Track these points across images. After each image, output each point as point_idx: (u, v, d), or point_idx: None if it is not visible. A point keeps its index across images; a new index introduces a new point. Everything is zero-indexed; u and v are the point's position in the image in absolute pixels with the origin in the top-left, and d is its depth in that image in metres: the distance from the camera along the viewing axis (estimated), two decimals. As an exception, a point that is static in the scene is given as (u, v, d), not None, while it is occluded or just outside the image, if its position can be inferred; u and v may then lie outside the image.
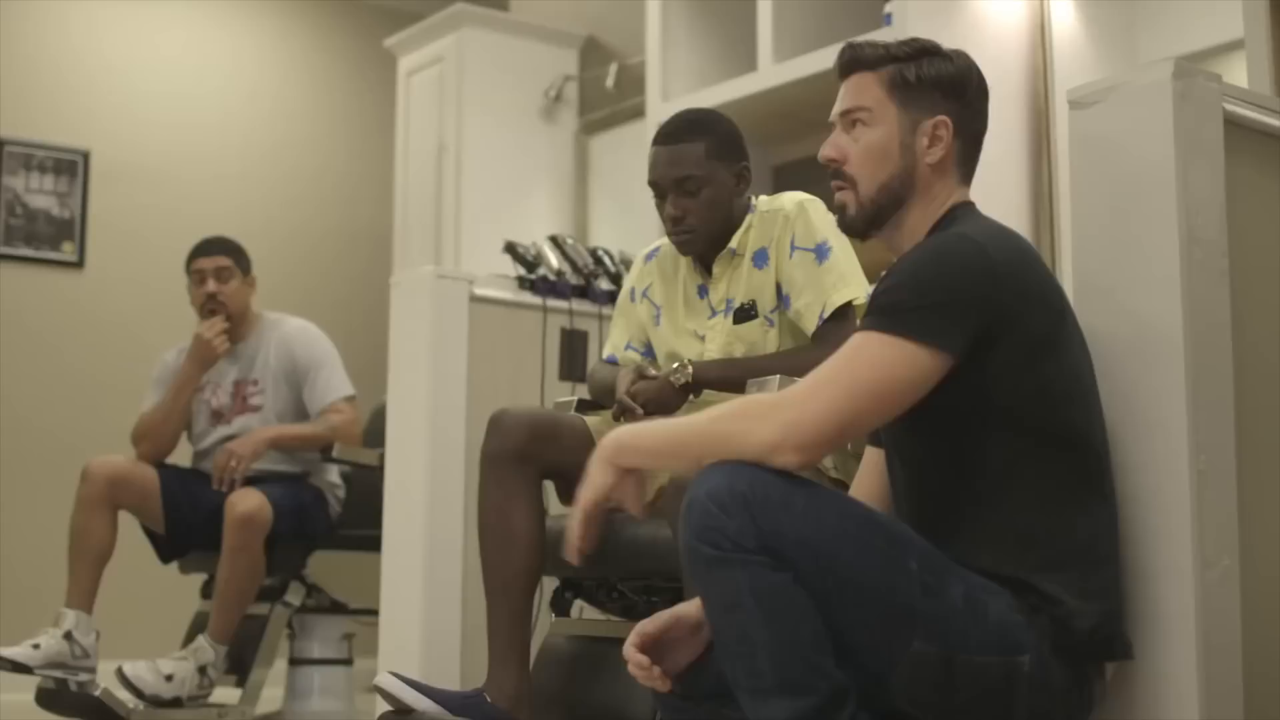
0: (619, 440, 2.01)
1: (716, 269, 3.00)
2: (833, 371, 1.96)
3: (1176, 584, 2.07)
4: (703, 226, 2.95)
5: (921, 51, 2.20)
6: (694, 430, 1.99)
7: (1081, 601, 1.96)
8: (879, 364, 1.95)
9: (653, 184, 2.98)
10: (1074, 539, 2.00)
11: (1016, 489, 2.01)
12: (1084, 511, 2.02)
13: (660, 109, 4.81)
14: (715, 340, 2.98)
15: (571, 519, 2.04)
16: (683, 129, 2.98)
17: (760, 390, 2.65)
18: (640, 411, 2.85)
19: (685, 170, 2.93)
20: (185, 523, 4.39)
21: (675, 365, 2.89)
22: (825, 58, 4.19)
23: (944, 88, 2.18)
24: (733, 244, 2.98)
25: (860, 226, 2.23)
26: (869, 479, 2.32)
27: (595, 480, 2.01)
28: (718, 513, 1.86)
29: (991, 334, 1.98)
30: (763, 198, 3.04)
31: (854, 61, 2.23)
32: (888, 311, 1.99)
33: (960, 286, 1.99)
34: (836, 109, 2.24)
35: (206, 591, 4.57)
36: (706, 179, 2.94)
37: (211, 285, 4.52)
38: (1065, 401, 2.04)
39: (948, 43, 2.25)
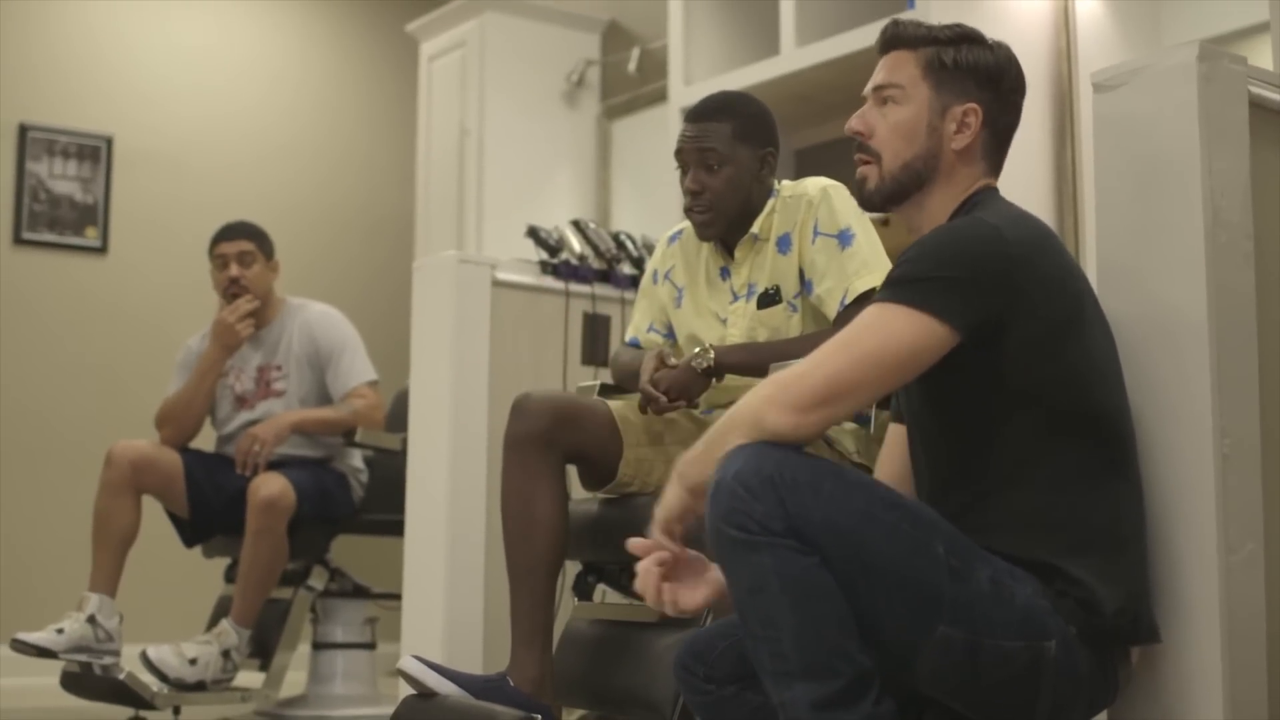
0: (683, 456, 2.03)
1: (739, 253, 3.00)
2: (836, 339, 1.98)
3: (1201, 569, 2.06)
4: (719, 205, 2.95)
5: (963, 37, 2.20)
6: (725, 415, 2.01)
7: (1105, 584, 1.96)
8: (880, 330, 1.96)
9: (677, 153, 3.01)
10: (1097, 521, 2.00)
11: (1038, 471, 2.01)
12: (1107, 493, 2.02)
13: (682, 93, 4.81)
14: (738, 325, 2.97)
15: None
16: (713, 108, 3.01)
17: (783, 374, 2.65)
18: (665, 400, 2.85)
19: (708, 144, 2.94)
20: (209, 507, 4.41)
21: (697, 350, 2.89)
22: (848, 42, 4.18)
23: (979, 76, 2.18)
24: (755, 229, 2.97)
25: (878, 201, 2.23)
26: (891, 456, 2.31)
27: (666, 499, 2.03)
28: (745, 495, 1.86)
29: (1005, 317, 1.98)
30: (786, 182, 3.03)
31: (895, 38, 2.24)
32: (896, 284, 2.00)
33: (972, 266, 1.99)
34: (871, 83, 2.25)
35: (230, 576, 4.59)
36: (728, 158, 2.94)
37: (234, 269, 4.53)
38: (1086, 384, 2.03)
39: (970, 23, 2.24)
